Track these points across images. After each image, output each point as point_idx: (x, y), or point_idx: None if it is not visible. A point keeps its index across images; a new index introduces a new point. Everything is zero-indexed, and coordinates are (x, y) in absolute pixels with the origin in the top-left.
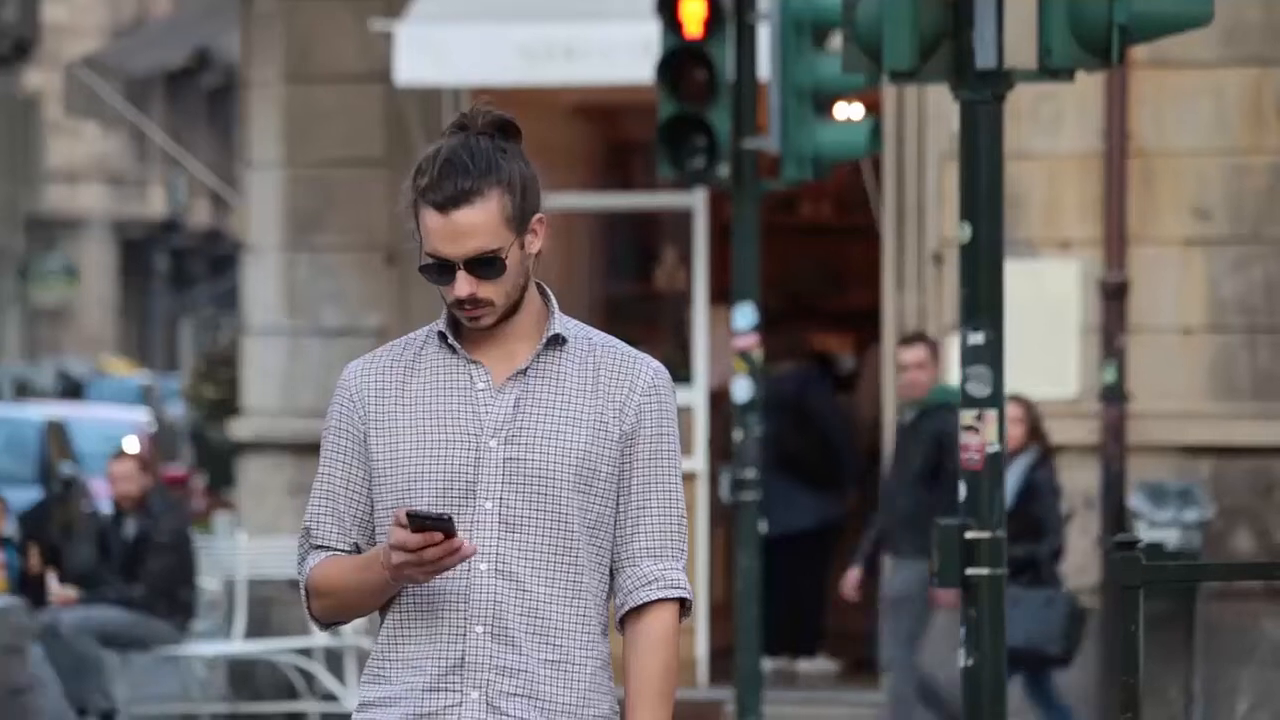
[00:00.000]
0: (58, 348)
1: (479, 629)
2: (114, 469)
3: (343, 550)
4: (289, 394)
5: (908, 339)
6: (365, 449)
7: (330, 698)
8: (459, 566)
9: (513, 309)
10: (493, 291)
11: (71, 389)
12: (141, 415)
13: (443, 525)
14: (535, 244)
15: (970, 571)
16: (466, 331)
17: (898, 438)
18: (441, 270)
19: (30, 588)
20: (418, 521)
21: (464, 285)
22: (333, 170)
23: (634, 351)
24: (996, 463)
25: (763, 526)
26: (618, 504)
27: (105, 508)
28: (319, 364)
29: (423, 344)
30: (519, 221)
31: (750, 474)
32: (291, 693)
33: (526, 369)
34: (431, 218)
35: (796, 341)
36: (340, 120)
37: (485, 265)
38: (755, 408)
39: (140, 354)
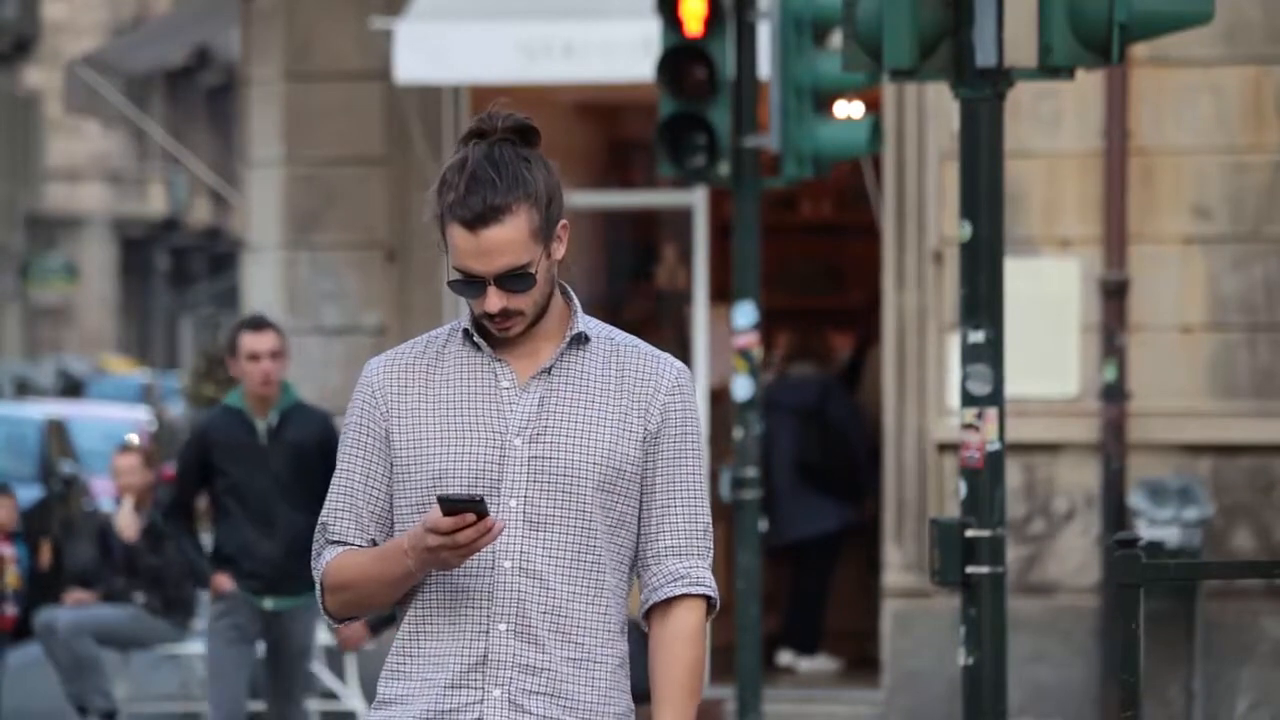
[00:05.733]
0: (58, 346)
1: (502, 626)
2: (118, 463)
3: (359, 546)
4: None
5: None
6: (386, 446)
7: (330, 696)
8: (483, 565)
9: (540, 314)
10: (523, 303)
11: (72, 387)
12: (142, 413)
13: (475, 506)
14: (560, 249)
15: (970, 569)
16: None
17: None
18: (471, 285)
19: (39, 584)
20: (449, 505)
21: (495, 300)
22: (332, 168)
23: (657, 351)
24: (997, 461)
25: (763, 525)
26: (641, 503)
27: (106, 506)
28: (319, 363)
29: (445, 341)
30: (546, 232)
31: (750, 472)
32: None
33: (550, 368)
34: (460, 235)
35: (817, 346)
36: (340, 118)
37: (515, 280)
38: (755, 406)
39: (140, 352)
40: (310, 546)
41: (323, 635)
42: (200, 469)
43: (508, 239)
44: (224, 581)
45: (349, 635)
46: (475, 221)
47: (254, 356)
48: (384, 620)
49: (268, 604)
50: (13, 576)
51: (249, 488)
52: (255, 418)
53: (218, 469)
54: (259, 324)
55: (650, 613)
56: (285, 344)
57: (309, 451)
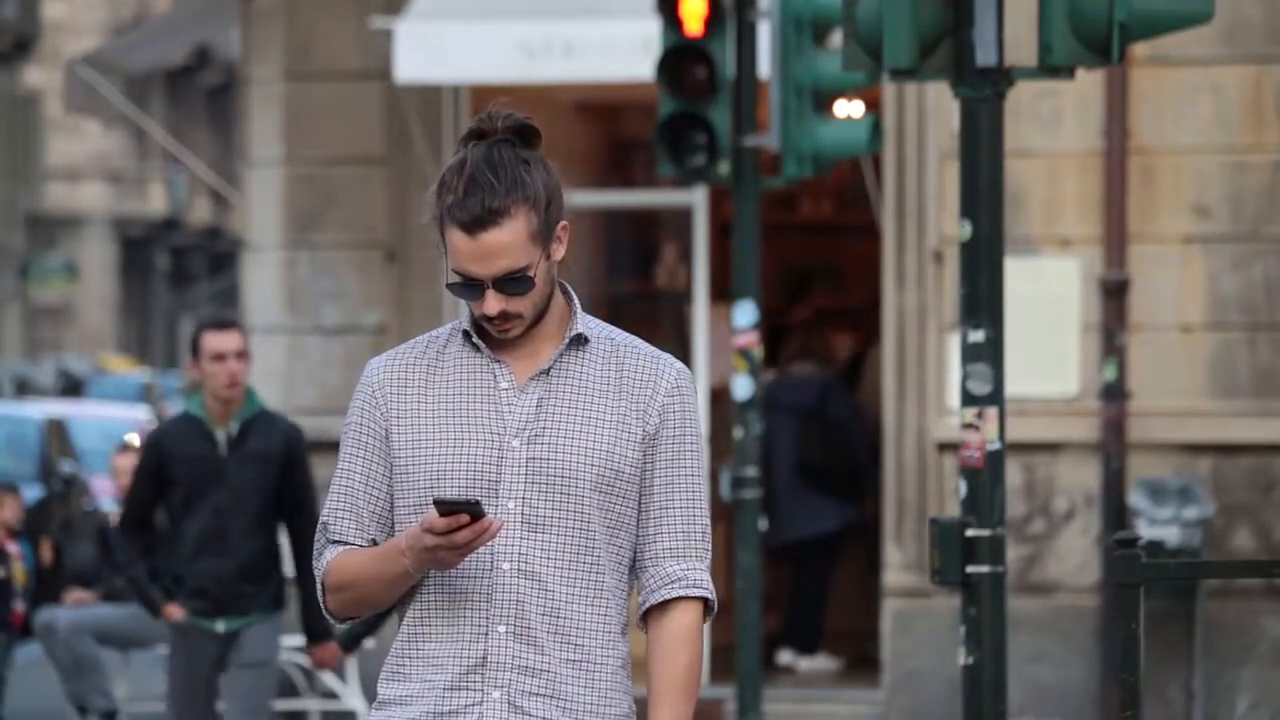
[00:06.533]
0: (58, 345)
1: (501, 628)
2: (118, 462)
3: (360, 546)
4: (289, 392)
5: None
6: (386, 445)
7: (331, 696)
8: (481, 566)
9: (539, 315)
10: (521, 305)
11: (72, 387)
12: (141, 413)
13: (470, 508)
14: (560, 251)
15: (971, 569)
16: None
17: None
18: (470, 288)
19: (42, 582)
20: (445, 507)
21: (493, 303)
22: (333, 168)
23: (657, 351)
24: (997, 460)
25: (763, 525)
26: (640, 504)
27: (106, 505)
28: (319, 362)
29: (446, 341)
30: (545, 235)
31: (750, 472)
32: (292, 691)
33: (549, 369)
34: (458, 238)
35: (818, 345)
36: (340, 118)
37: (514, 282)
38: (755, 406)
39: (140, 352)
40: (267, 566)
41: None
42: (154, 481)
43: (506, 242)
44: (175, 611)
45: (322, 657)
46: (473, 225)
47: (219, 356)
48: (357, 639)
49: (219, 627)
50: (21, 574)
51: (204, 501)
52: (215, 427)
53: (172, 481)
54: (223, 323)
55: (647, 615)
56: (249, 344)
57: (271, 463)
